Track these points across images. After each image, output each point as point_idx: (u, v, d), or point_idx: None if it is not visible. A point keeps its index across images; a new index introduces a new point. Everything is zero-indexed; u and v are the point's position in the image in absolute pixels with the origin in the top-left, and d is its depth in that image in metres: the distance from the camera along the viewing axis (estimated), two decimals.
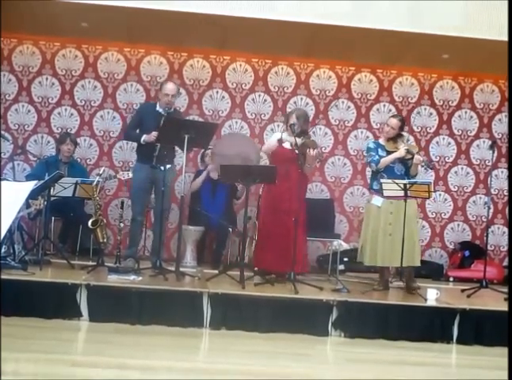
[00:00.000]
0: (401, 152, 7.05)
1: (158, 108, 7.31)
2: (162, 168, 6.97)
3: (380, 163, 7.11)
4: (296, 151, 6.97)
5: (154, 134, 6.99)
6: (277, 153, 7.33)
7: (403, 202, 6.89)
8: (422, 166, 7.09)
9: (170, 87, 7.24)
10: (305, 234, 7.38)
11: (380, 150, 7.18)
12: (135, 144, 8.57)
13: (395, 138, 7.18)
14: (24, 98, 9.15)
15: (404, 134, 7.30)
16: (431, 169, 7.38)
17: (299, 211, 6.87)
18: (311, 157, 6.91)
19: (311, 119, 9.11)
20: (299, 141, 6.94)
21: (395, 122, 7.22)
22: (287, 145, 7.23)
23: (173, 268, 6.76)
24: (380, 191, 7.07)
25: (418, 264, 7.10)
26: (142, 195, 7.40)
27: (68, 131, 8.98)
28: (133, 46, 9.22)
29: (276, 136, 7.47)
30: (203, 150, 8.71)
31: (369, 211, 7.26)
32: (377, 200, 7.13)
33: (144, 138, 7.17)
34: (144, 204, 7.48)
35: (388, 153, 7.13)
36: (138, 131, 7.38)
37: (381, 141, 7.30)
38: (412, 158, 7.03)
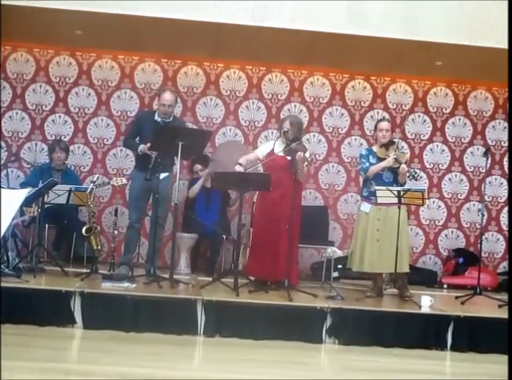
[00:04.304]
0: (389, 161, 7.04)
1: (156, 117, 7.22)
2: (160, 177, 6.96)
3: (369, 171, 7.12)
4: (288, 158, 6.99)
5: (149, 145, 6.97)
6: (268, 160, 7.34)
7: (391, 208, 6.94)
8: (408, 177, 7.05)
9: (166, 97, 7.16)
10: (297, 242, 7.36)
11: (371, 157, 7.19)
12: (129, 151, 8.63)
13: (388, 145, 7.17)
14: (18, 105, 9.14)
15: (396, 140, 7.31)
16: (415, 179, 7.35)
17: (292, 219, 6.87)
18: (300, 161, 6.91)
19: (305, 126, 9.18)
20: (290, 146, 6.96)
21: (386, 124, 7.25)
22: (280, 152, 7.24)
23: (167, 276, 6.74)
24: (369, 198, 7.09)
25: (406, 270, 7.08)
26: (139, 203, 7.36)
27: (62, 138, 8.97)
28: (127, 53, 9.22)
29: (267, 147, 7.50)
30: (192, 162, 8.71)
31: (359, 218, 7.30)
32: (365, 207, 7.15)
33: (141, 148, 7.10)
34: (141, 212, 7.45)
35: (379, 160, 7.14)
36: (138, 139, 7.30)
37: (374, 148, 7.31)
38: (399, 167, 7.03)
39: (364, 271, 7.28)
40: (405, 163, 7.05)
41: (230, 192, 8.58)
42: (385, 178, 7.14)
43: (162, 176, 7.06)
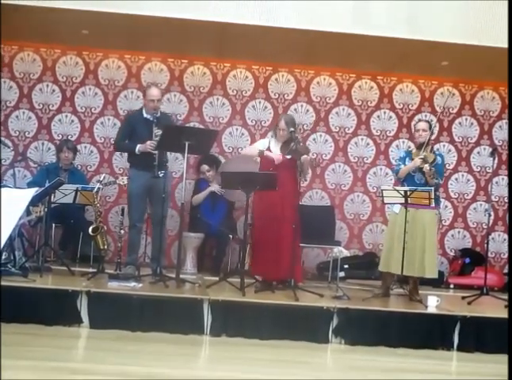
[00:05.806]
0: (415, 162, 6.98)
1: (145, 114, 7.28)
2: (161, 175, 6.97)
3: (399, 173, 7.12)
4: (288, 156, 6.98)
5: (149, 143, 6.98)
6: (265, 159, 7.29)
7: (420, 210, 6.89)
8: (430, 176, 6.99)
9: (153, 93, 7.24)
10: (299, 241, 7.33)
11: (407, 159, 7.16)
12: None
13: (422, 146, 7.11)
14: (24, 105, 9.16)
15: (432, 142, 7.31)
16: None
17: (294, 218, 6.86)
18: (306, 163, 6.91)
19: (311, 126, 9.20)
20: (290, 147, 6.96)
21: (423, 125, 7.21)
22: (276, 151, 7.21)
23: (173, 275, 6.75)
24: None
25: (435, 275, 7.08)
26: (139, 202, 7.38)
27: (68, 137, 8.98)
28: (134, 53, 9.23)
29: (263, 142, 7.46)
30: (199, 162, 8.72)
31: (390, 218, 7.29)
32: (396, 207, 7.08)
33: (139, 148, 7.13)
34: (142, 211, 7.47)
35: None
36: (128, 140, 7.32)
37: (412, 149, 7.30)
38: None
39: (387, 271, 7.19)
40: (431, 163, 7.00)
41: (235, 199, 8.56)
42: (417, 180, 7.08)
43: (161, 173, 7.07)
